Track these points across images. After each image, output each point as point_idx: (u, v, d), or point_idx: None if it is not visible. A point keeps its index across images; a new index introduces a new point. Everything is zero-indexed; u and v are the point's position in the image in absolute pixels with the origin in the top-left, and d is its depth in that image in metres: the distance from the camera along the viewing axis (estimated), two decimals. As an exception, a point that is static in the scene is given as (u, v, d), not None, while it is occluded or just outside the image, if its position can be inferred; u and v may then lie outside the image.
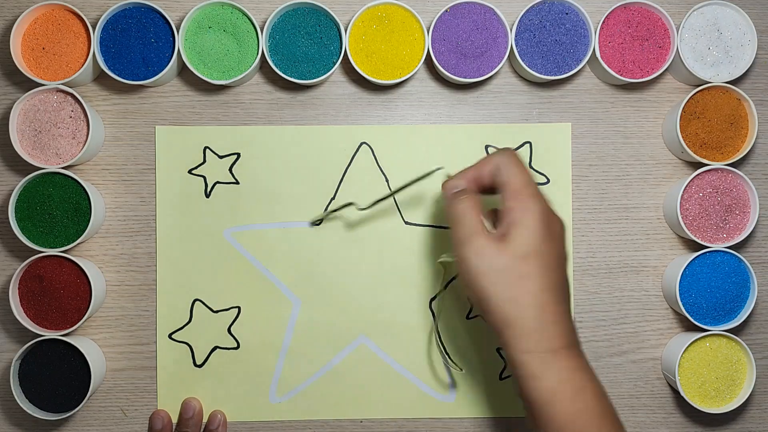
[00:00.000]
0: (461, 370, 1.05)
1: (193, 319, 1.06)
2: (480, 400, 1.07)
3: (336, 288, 1.07)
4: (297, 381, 1.07)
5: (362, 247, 1.07)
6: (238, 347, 1.07)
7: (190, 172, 1.07)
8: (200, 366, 1.06)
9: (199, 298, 1.07)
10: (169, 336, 1.06)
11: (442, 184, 0.88)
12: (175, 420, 1.06)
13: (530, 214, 0.82)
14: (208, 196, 1.07)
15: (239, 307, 1.07)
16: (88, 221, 1.01)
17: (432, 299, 1.07)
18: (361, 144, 1.07)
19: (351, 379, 1.07)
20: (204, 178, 1.07)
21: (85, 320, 1.02)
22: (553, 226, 0.84)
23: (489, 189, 0.87)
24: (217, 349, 1.07)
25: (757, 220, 1.04)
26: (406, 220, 1.07)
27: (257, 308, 1.07)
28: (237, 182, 1.07)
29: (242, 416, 1.06)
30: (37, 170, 1.02)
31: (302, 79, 1.03)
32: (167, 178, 1.07)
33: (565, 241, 0.86)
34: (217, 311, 1.07)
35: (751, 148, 1.05)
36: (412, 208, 1.07)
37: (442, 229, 1.07)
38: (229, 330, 1.07)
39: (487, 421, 1.07)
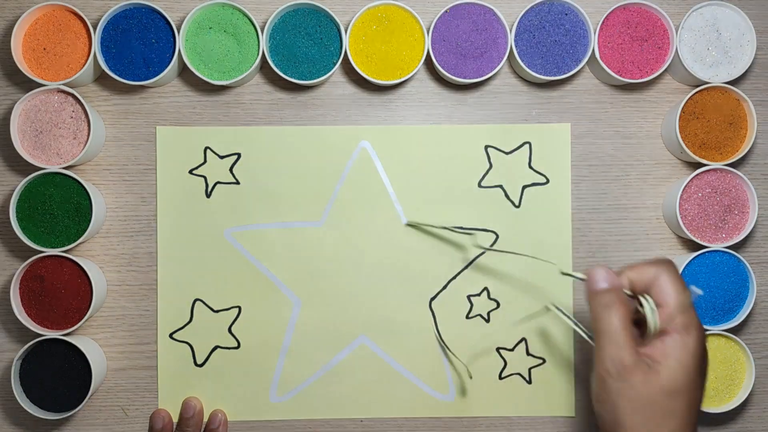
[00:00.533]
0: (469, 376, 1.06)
1: (193, 318, 1.07)
2: (479, 399, 1.07)
3: (336, 288, 1.07)
4: (297, 381, 1.07)
5: (362, 246, 1.07)
6: (238, 347, 1.07)
7: (190, 172, 1.07)
8: (201, 365, 1.07)
9: (199, 297, 1.07)
10: (170, 336, 1.07)
11: (588, 275, 0.79)
12: (175, 419, 1.06)
13: (685, 347, 0.75)
14: (208, 196, 1.07)
15: (240, 307, 1.07)
16: (89, 221, 1.02)
17: (432, 298, 1.07)
18: (361, 144, 1.08)
19: (351, 379, 1.07)
20: (204, 178, 1.07)
21: (86, 320, 1.02)
22: (703, 361, 0.76)
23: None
24: (218, 349, 1.07)
25: (756, 220, 1.04)
26: (406, 220, 1.07)
27: (258, 308, 1.07)
28: (237, 182, 1.07)
29: (242, 416, 1.06)
30: (38, 170, 1.02)
31: (302, 80, 1.03)
32: (168, 178, 1.07)
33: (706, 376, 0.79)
34: (217, 311, 1.07)
35: (750, 148, 1.05)
36: (411, 207, 1.08)
37: (441, 229, 1.07)
38: (229, 330, 1.07)
39: (487, 421, 1.07)
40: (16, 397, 1.01)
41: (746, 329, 1.08)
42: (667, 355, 0.74)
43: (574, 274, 0.81)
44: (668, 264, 0.78)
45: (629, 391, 0.74)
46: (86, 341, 1.04)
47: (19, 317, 1.01)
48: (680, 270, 1.02)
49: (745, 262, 1.03)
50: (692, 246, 1.07)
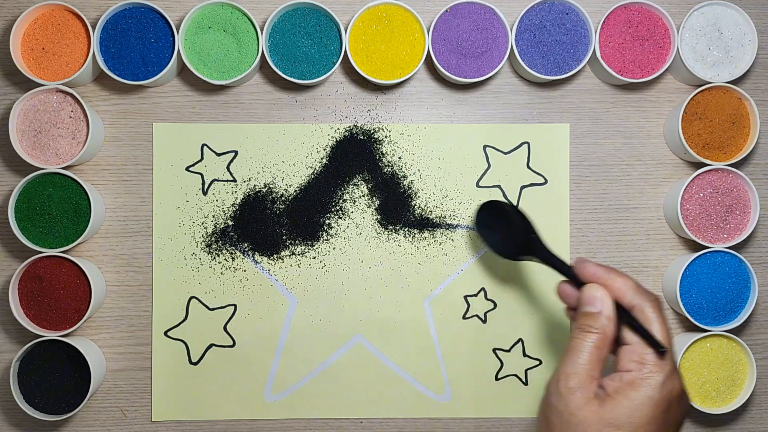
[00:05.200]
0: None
1: (189, 316, 1.06)
2: (475, 400, 1.07)
3: (332, 287, 1.07)
4: (292, 380, 1.07)
5: (359, 246, 1.07)
6: (233, 345, 1.07)
7: (187, 169, 1.07)
8: (195, 364, 1.06)
9: (195, 295, 1.07)
10: (165, 333, 1.06)
11: (583, 293, 0.76)
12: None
13: (646, 391, 0.70)
14: (205, 193, 1.07)
15: (235, 305, 1.07)
16: (88, 221, 1.01)
17: (428, 299, 1.07)
18: (361, 143, 1.07)
19: (346, 379, 1.07)
20: (201, 175, 1.07)
21: (84, 321, 1.02)
22: (671, 416, 0.72)
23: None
24: (213, 347, 1.06)
25: (758, 221, 1.03)
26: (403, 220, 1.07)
27: (253, 306, 1.07)
28: (234, 180, 1.07)
29: (237, 414, 1.06)
30: (37, 170, 1.02)
31: (302, 80, 1.03)
32: (164, 175, 1.07)
33: None
34: (213, 309, 1.07)
35: (753, 148, 1.05)
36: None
37: (440, 229, 1.07)
38: (224, 328, 1.06)
39: (487, 422, 1.07)
40: (15, 398, 1.01)
41: (748, 330, 1.08)
42: (619, 392, 0.71)
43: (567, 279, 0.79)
44: (655, 299, 0.75)
45: (565, 411, 0.71)
46: (85, 342, 1.04)
47: (17, 318, 1.01)
48: (682, 270, 1.02)
49: (747, 262, 1.03)
50: (694, 246, 1.07)
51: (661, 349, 0.72)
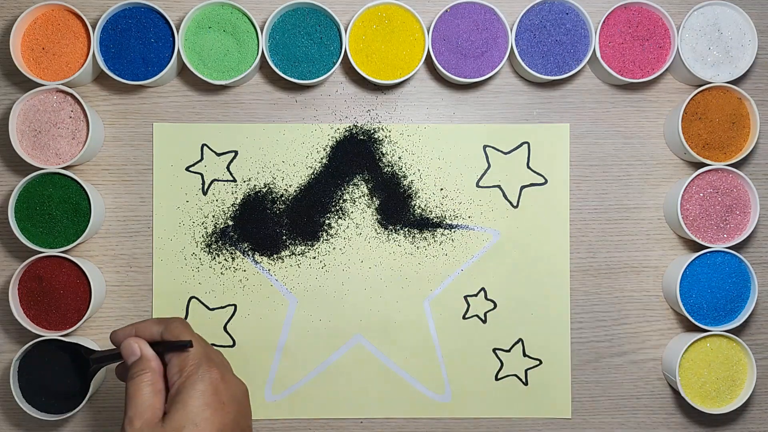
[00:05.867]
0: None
1: (188, 316, 1.06)
2: (476, 400, 1.07)
3: (332, 287, 1.07)
4: (292, 380, 1.07)
5: (359, 246, 1.07)
6: (233, 345, 1.07)
7: (187, 169, 1.07)
8: (196, 364, 1.06)
9: (195, 295, 1.07)
10: (165, 333, 1.07)
11: (123, 352, 0.81)
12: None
13: (192, 388, 0.76)
14: (205, 193, 1.07)
15: (235, 305, 1.07)
16: (88, 221, 1.01)
17: (428, 299, 1.07)
18: (361, 143, 1.07)
19: (346, 379, 1.07)
20: (201, 175, 1.07)
21: (84, 321, 1.01)
22: (223, 394, 0.78)
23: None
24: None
25: (758, 221, 1.03)
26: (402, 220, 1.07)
27: (253, 307, 1.07)
28: (234, 180, 1.07)
29: (238, 415, 1.06)
30: (37, 170, 1.02)
31: (302, 80, 1.03)
32: (164, 175, 1.07)
33: (246, 406, 0.81)
34: (213, 309, 1.07)
35: (753, 148, 1.05)
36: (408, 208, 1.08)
37: (440, 229, 1.07)
38: (224, 328, 1.06)
39: (487, 422, 1.07)
40: (15, 398, 1.00)
41: (748, 330, 1.08)
42: (173, 402, 0.76)
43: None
44: (177, 318, 0.82)
45: None
46: (85, 342, 1.04)
47: (17, 318, 1.01)
48: (682, 270, 1.02)
49: (747, 262, 1.03)
50: (694, 246, 1.07)
51: (183, 344, 0.79)
